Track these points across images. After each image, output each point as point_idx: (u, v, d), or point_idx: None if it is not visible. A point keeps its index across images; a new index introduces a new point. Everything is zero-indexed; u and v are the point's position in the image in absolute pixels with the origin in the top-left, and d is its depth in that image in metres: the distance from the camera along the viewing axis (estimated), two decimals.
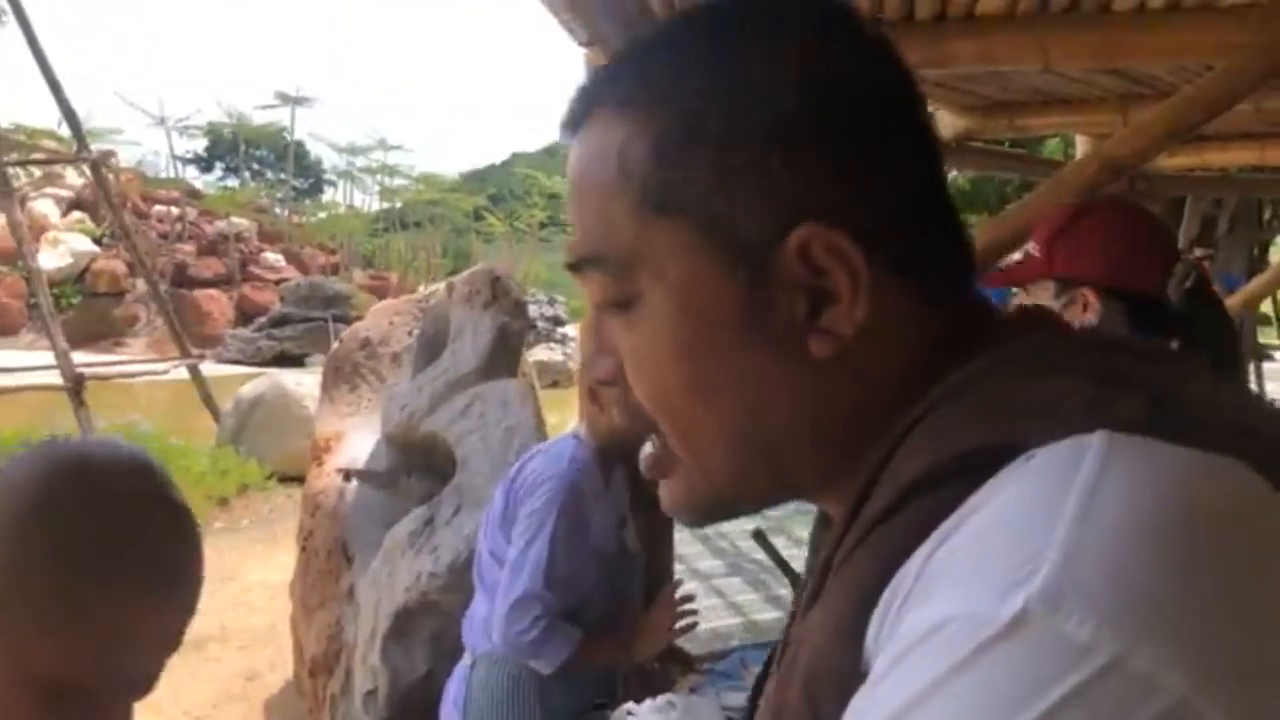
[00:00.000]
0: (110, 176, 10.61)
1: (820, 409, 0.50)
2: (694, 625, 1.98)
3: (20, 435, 7.85)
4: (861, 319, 0.47)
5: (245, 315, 20.23)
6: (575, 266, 0.52)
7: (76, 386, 6.76)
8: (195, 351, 9.34)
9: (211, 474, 7.58)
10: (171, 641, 0.81)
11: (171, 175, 30.07)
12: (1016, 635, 0.37)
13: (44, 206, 20.62)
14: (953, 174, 10.39)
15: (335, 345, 4.20)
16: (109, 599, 0.75)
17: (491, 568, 1.99)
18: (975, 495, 0.41)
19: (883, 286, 0.48)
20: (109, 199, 9.56)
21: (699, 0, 0.53)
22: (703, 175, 0.48)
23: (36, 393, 7.59)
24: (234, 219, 22.80)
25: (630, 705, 1.39)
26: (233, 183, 32.83)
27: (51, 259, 18.72)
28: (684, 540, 5.14)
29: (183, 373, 9.22)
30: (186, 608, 0.81)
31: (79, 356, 7.37)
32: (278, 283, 20.89)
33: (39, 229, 19.23)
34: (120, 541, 0.76)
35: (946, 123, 4.20)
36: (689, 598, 1.98)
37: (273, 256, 22.68)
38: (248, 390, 8.67)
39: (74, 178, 20.72)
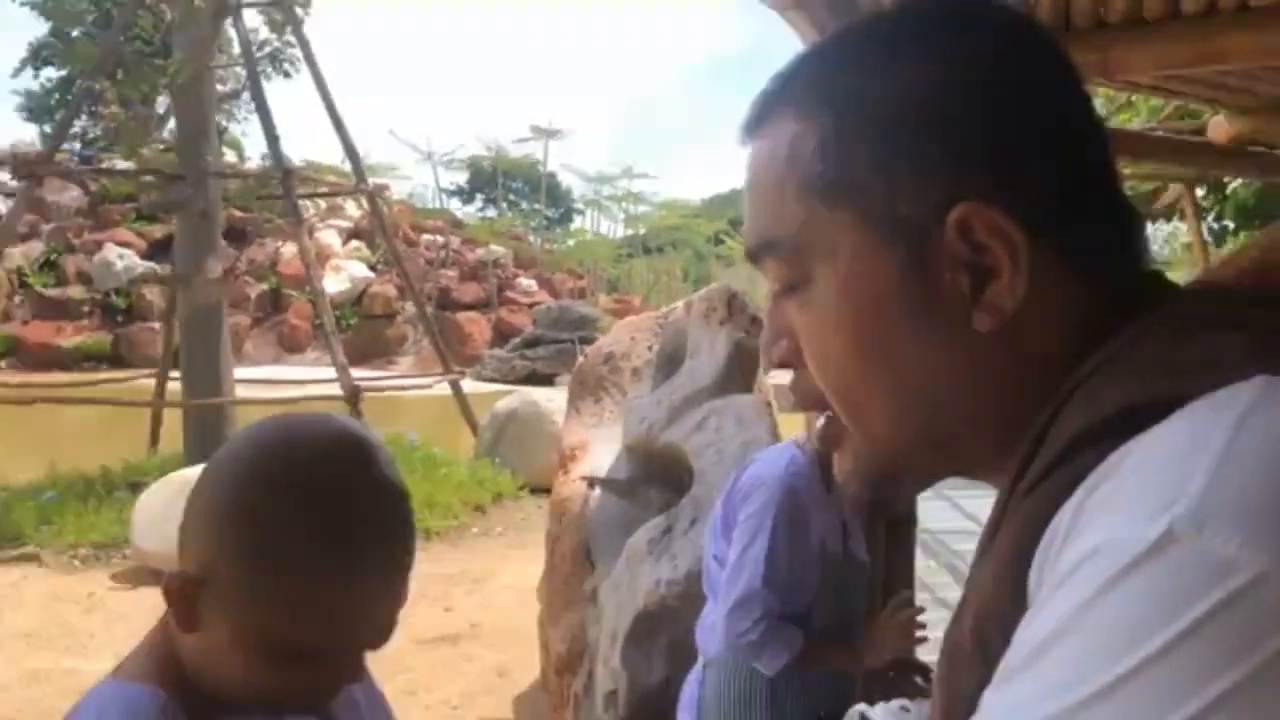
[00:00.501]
0: (384, 208, 11.56)
1: (983, 382, 0.52)
2: (924, 639, 1.95)
3: None
4: (1022, 293, 0.49)
5: (501, 336, 21.43)
6: (753, 255, 0.57)
7: (353, 398, 7.41)
8: (456, 369, 9.99)
9: (470, 483, 8.08)
10: (398, 601, 0.84)
11: (437, 206, 32.36)
12: (1162, 555, 0.39)
13: (328, 236, 22.70)
14: (1234, 182, 9.38)
15: (580, 360, 4.40)
16: (322, 579, 0.79)
17: (716, 573, 2.04)
18: (1131, 442, 0.42)
19: (1042, 262, 0.49)
20: (383, 228, 10.43)
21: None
22: (863, 163, 0.51)
23: (323, 408, 8.35)
24: (492, 246, 24.23)
25: (863, 707, 1.39)
26: (491, 213, 34.86)
27: (333, 284, 20.57)
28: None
29: (445, 388, 9.88)
30: (402, 573, 0.83)
31: (355, 372, 8.07)
32: (530, 306, 22.00)
33: (324, 257, 21.19)
34: (326, 524, 0.79)
35: (1219, 125, 3.90)
36: (919, 609, 1.95)
37: (526, 282, 23.92)
38: (502, 406, 9.20)
39: (353, 210, 22.70)
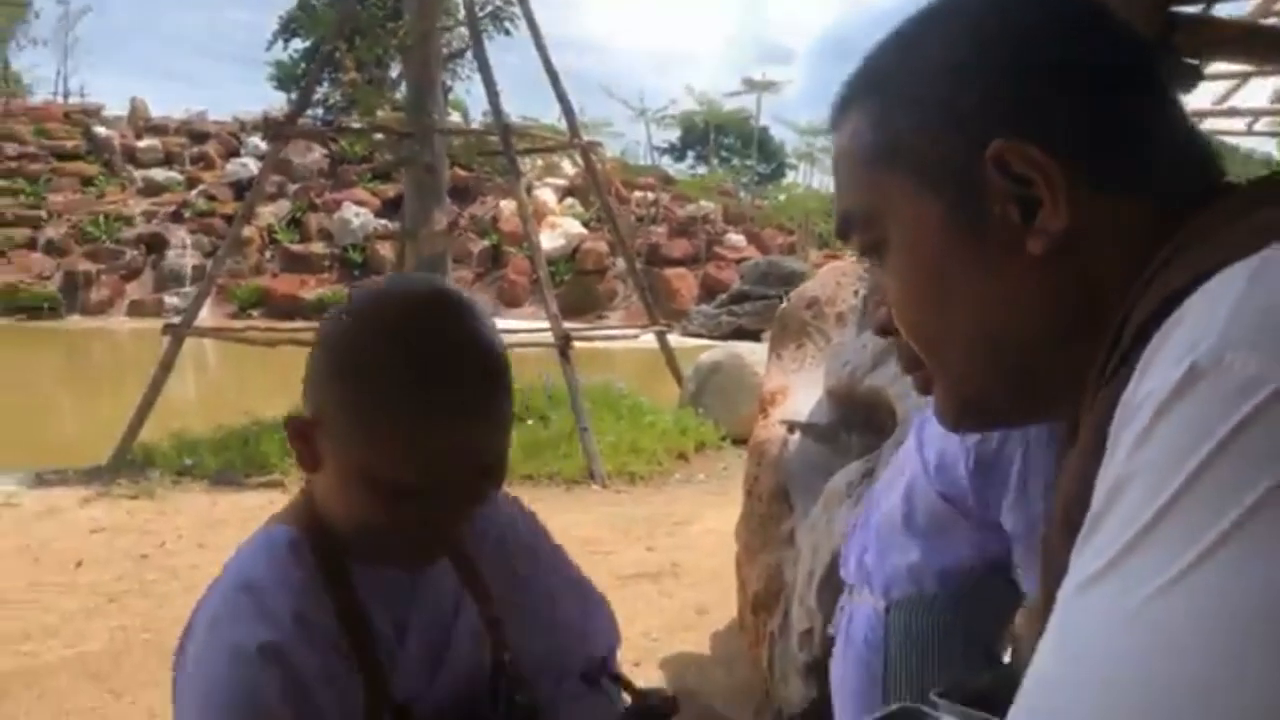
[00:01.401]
0: (597, 164, 11.83)
1: (1047, 307, 0.56)
2: None
3: (523, 387, 9.10)
4: (1066, 215, 0.54)
5: (709, 292, 21.54)
6: (841, 233, 0.64)
7: (563, 345, 7.67)
8: (663, 321, 10.15)
9: (673, 431, 8.23)
10: (493, 446, 0.90)
11: (649, 163, 32.75)
12: (1188, 392, 0.42)
13: (544, 194, 23.43)
14: None
15: (783, 305, 4.38)
16: (412, 418, 0.85)
17: (940, 512, 2.00)
18: (1179, 309, 0.46)
19: (1084, 185, 0.54)
20: (596, 184, 10.67)
21: None
22: (906, 129, 0.58)
23: (535, 354, 8.68)
24: (702, 202, 24.33)
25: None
26: (703, 170, 34.95)
27: (549, 240, 21.25)
28: None
29: (653, 343, 10.06)
30: (493, 418, 0.89)
31: (567, 324, 8.33)
32: (738, 262, 21.97)
33: (540, 214, 21.90)
34: (417, 365, 0.86)
35: None
36: None
37: (735, 237, 23.88)
38: (707, 358, 9.29)
39: (569, 168, 23.31)
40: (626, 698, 0.91)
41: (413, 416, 0.86)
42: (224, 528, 5.84)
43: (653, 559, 5.61)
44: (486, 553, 1.10)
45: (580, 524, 6.06)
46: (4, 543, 5.72)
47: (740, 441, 8.15)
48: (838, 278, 4.35)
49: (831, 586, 3.23)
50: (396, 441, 0.87)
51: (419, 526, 0.92)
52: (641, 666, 4.33)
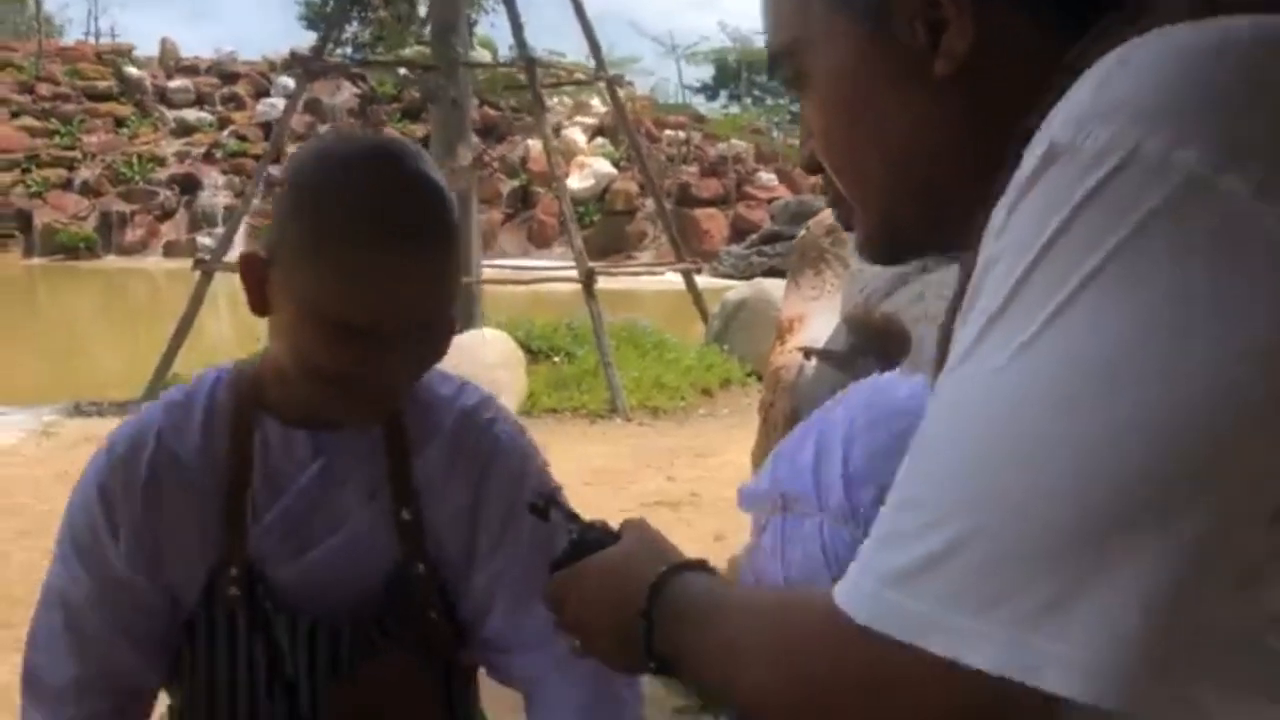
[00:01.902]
0: (624, 101, 11.72)
1: (956, 133, 0.57)
2: None
3: (548, 324, 9.17)
4: (970, 35, 0.54)
5: (739, 233, 21.42)
6: (770, 68, 0.64)
7: (588, 281, 7.69)
8: (690, 258, 10.12)
9: (698, 367, 8.27)
10: (437, 288, 0.93)
11: (680, 101, 32.38)
12: (1045, 170, 0.45)
13: (574, 134, 23.27)
14: None
15: (802, 233, 4.37)
16: (357, 253, 0.89)
17: None
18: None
19: (994, 12, 0.54)
20: (623, 119, 10.60)
21: None
22: None
23: (562, 296, 8.71)
24: (733, 141, 24.07)
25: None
26: (735, 110, 34.51)
27: (578, 180, 21.17)
28: None
29: (681, 284, 10.05)
30: (436, 259, 0.92)
31: (594, 263, 8.36)
32: (769, 202, 21.79)
33: (569, 154, 21.77)
34: (362, 203, 0.89)
35: None
36: None
37: (766, 176, 23.65)
38: (733, 295, 9.28)
39: (599, 107, 23.09)
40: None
41: (357, 249, 0.89)
42: None
43: (673, 488, 5.68)
44: (429, 456, 1.07)
45: (602, 455, 6.14)
46: (44, 469, 5.89)
47: None
48: None
49: None
50: (341, 273, 0.89)
51: (356, 370, 0.93)
52: None
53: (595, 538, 0.79)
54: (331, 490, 1.04)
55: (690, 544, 4.18)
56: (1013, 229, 0.46)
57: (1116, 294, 0.43)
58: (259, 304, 0.96)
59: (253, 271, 0.95)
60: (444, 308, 0.96)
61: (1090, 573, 0.42)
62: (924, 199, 0.59)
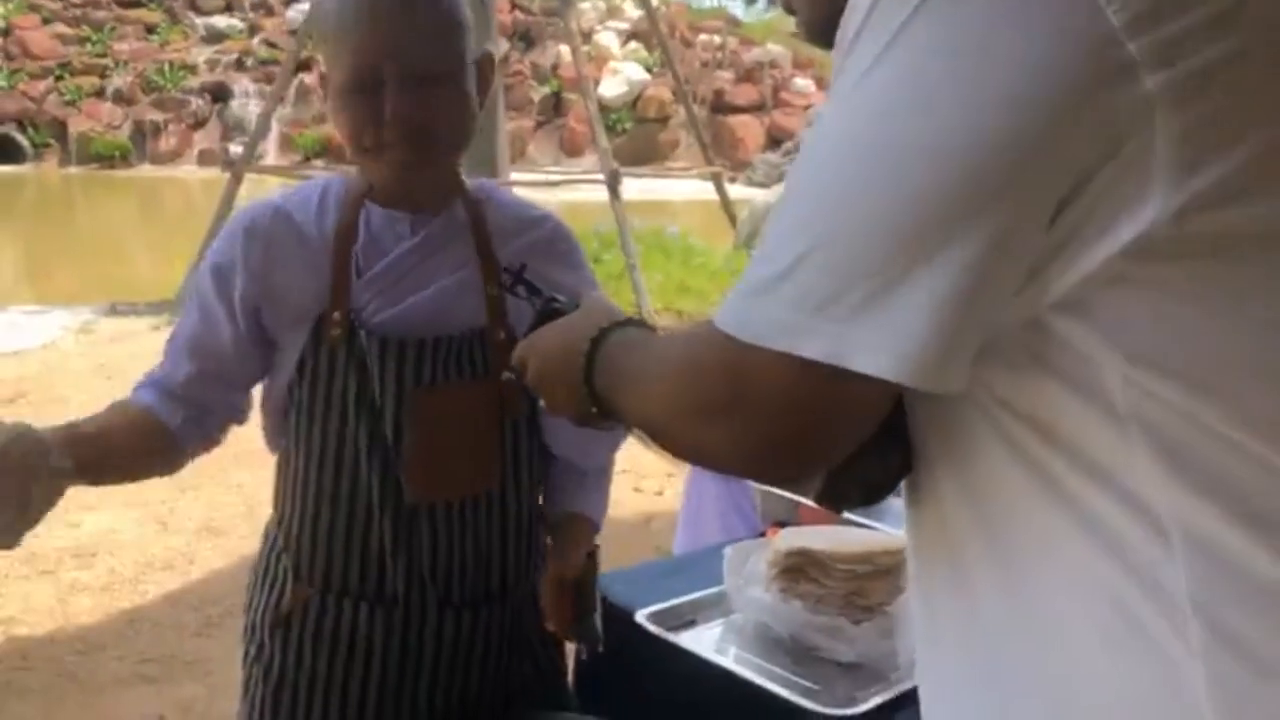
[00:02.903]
0: (660, 7, 11.49)
1: None
2: None
3: (576, 231, 9.15)
4: None
5: (775, 141, 21.09)
6: None
7: (613, 181, 7.66)
8: (721, 162, 10.02)
9: (724, 272, 8.27)
10: (418, 41, 1.17)
11: (715, 5, 31.65)
12: None
13: (606, 39, 22.86)
14: None
15: None
16: (361, 10, 1.17)
17: None
18: None
19: None
20: (652, 21, 10.41)
21: None
22: None
23: (591, 206, 8.69)
24: (769, 46, 23.54)
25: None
26: (771, 14, 33.65)
27: (610, 87, 20.88)
28: None
29: (713, 193, 9.97)
30: (437, 29, 1.18)
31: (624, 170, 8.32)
32: (806, 109, 21.38)
33: (602, 59, 21.43)
34: None
35: None
36: None
37: (803, 82, 23.15)
38: (762, 199, 9.22)
39: (632, 11, 22.64)
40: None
41: (356, 11, 1.16)
42: None
43: None
44: (512, 246, 1.29)
45: None
46: (82, 363, 6.08)
47: None
48: None
49: None
50: (342, 31, 1.16)
51: (376, 128, 1.17)
52: (674, 477, 4.51)
53: (558, 307, 0.87)
54: (426, 258, 1.25)
55: None
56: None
57: (920, 42, 0.53)
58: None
59: (319, 77, 1.21)
60: (447, 63, 1.18)
61: (896, 278, 0.53)
62: None
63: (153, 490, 4.20)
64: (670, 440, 0.68)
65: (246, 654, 1.33)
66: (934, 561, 0.68)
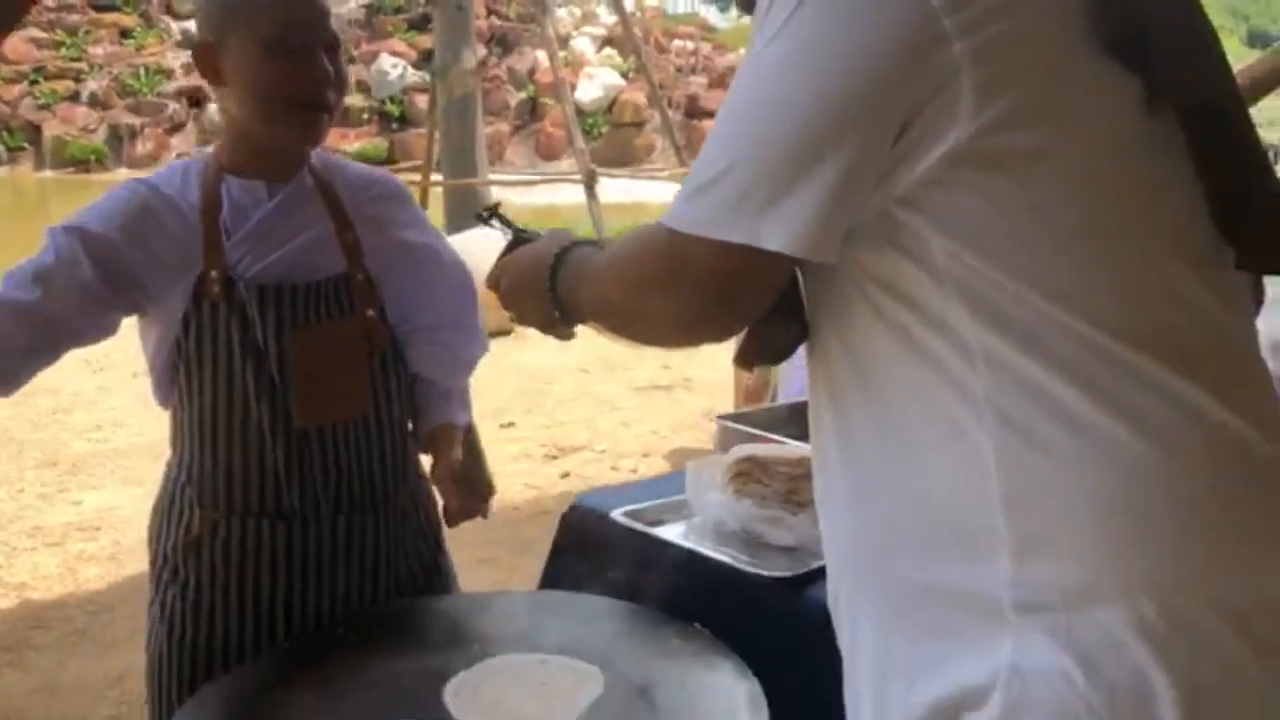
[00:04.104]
0: (636, 13, 11.72)
1: None
2: None
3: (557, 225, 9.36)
4: None
5: None
6: None
7: (589, 180, 7.90)
8: (692, 165, 10.25)
9: None
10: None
11: (689, 11, 31.95)
12: None
13: (581, 44, 23.09)
14: None
15: None
16: None
17: None
18: None
19: None
20: (625, 25, 10.65)
21: None
22: None
23: (571, 207, 8.88)
24: (743, 51, 23.78)
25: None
26: (745, 21, 33.92)
27: (586, 92, 21.09)
28: None
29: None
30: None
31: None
32: None
33: (577, 65, 21.65)
34: None
35: None
36: None
37: None
38: None
39: (606, 17, 22.90)
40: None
41: None
42: None
43: (666, 375, 5.97)
44: (358, 200, 1.50)
45: (601, 345, 6.39)
46: (70, 356, 6.22)
47: None
48: None
49: None
50: (262, 4, 1.36)
51: (293, 81, 1.36)
52: (649, 457, 4.74)
53: (527, 236, 1.08)
54: (286, 218, 1.45)
55: (679, 420, 4.62)
56: None
57: (806, 18, 0.78)
58: (216, 78, 1.38)
59: (204, 58, 1.39)
60: (338, 38, 1.41)
61: (790, 183, 0.78)
62: None
63: (149, 472, 4.39)
64: (622, 316, 0.90)
65: (160, 580, 1.49)
66: (823, 408, 0.91)
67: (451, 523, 1.58)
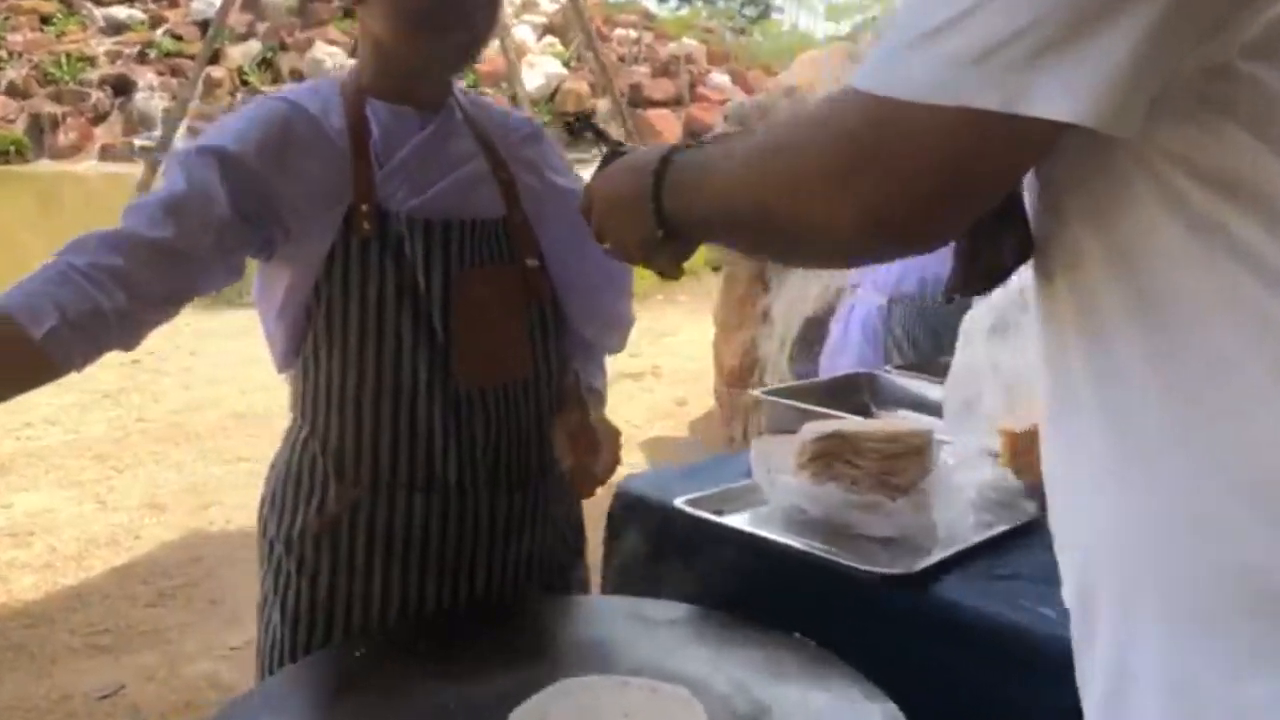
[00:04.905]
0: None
1: None
2: None
3: None
4: None
5: (692, 134, 21.22)
6: None
7: None
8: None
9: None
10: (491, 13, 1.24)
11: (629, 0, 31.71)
12: None
13: (522, 33, 22.73)
14: None
15: (761, 96, 4.39)
16: None
17: None
18: None
19: None
20: (579, 16, 10.37)
21: None
22: None
23: None
24: (685, 40, 23.69)
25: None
26: (685, 10, 33.86)
27: (529, 80, 20.75)
28: None
29: None
30: None
31: None
32: (723, 103, 21.57)
33: (519, 53, 21.30)
34: None
35: None
36: None
37: (719, 78, 23.36)
38: None
39: (547, 5, 22.57)
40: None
41: None
42: (213, 338, 5.94)
43: (635, 363, 5.78)
44: (509, 140, 1.34)
45: None
46: None
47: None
48: (816, 68, 4.34)
49: (804, 348, 3.36)
50: None
51: (442, 7, 1.18)
52: (624, 448, 4.52)
53: (623, 151, 0.87)
54: (439, 149, 1.25)
55: (653, 409, 4.39)
56: None
57: None
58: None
59: None
60: (487, 20, 1.23)
61: (1079, 24, 0.53)
62: None
63: (85, 471, 4.06)
64: (765, 223, 0.67)
65: (279, 575, 1.27)
66: (1071, 350, 0.67)
67: (577, 486, 1.37)
